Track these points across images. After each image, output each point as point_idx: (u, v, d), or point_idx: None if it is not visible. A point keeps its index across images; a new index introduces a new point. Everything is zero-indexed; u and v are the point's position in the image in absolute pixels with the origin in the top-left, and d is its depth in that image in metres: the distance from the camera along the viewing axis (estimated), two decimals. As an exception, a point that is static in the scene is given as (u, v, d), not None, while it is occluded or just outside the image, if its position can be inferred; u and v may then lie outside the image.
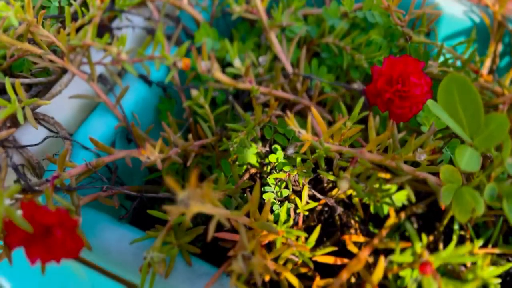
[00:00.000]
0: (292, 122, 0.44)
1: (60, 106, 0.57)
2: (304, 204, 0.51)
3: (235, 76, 0.61)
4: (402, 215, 0.62)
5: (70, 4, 0.63)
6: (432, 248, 0.63)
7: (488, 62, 0.70)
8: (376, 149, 0.51)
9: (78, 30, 0.57)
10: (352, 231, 0.64)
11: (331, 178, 0.48)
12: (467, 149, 0.43)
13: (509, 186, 0.44)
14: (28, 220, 0.38)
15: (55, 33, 0.55)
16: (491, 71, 0.71)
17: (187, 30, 0.66)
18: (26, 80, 0.58)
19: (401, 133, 0.58)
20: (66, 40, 0.53)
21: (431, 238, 0.63)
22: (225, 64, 0.65)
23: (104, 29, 0.63)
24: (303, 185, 0.58)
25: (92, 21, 0.55)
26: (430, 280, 0.42)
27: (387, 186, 0.57)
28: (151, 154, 0.45)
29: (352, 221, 0.64)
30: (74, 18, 0.58)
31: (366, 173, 0.53)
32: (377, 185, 0.56)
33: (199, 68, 0.47)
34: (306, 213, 0.52)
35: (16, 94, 0.49)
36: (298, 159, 0.55)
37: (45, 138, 0.54)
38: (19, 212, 0.42)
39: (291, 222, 0.47)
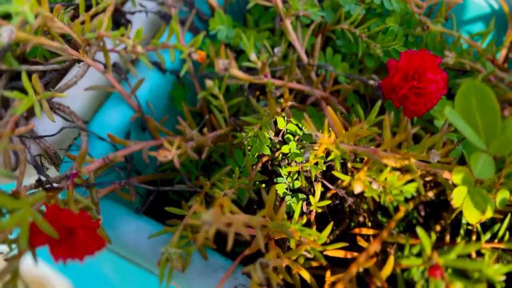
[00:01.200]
0: (309, 126, 0.44)
1: (74, 94, 0.57)
2: (317, 201, 0.52)
3: (249, 69, 0.61)
4: (411, 204, 0.64)
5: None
6: (439, 237, 0.64)
7: (504, 52, 0.69)
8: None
9: (92, 18, 0.56)
10: (361, 218, 0.66)
11: (347, 178, 0.49)
12: (481, 155, 0.43)
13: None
14: (51, 222, 0.39)
15: (69, 22, 0.54)
16: (506, 59, 0.70)
17: (200, 14, 0.65)
18: (41, 67, 0.58)
19: (414, 128, 0.58)
20: (80, 30, 0.53)
21: (438, 227, 0.64)
22: (238, 51, 0.65)
23: (116, 14, 0.62)
24: (316, 177, 0.59)
25: (106, 10, 0.54)
26: (439, 282, 0.44)
27: (399, 182, 0.57)
28: (168, 153, 0.45)
29: (361, 209, 0.65)
30: (88, 5, 0.57)
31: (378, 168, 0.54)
32: (389, 178, 0.56)
33: (216, 67, 0.46)
34: (319, 210, 0.53)
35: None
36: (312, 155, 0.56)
37: (61, 129, 0.54)
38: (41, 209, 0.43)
39: (304, 219, 0.48)
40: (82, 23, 0.56)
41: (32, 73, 0.59)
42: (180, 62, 0.63)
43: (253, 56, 0.53)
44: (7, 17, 0.57)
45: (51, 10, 0.50)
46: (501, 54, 0.69)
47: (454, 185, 0.49)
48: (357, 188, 0.46)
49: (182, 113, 0.65)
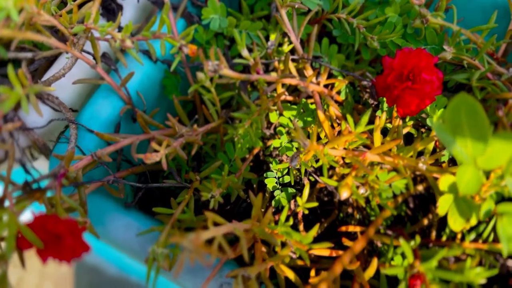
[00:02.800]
0: (298, 135, 0.44)
1: (63, 83, 0.56)
2: (305, 201, 0.53)
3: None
4: (400, 198, 0.64)
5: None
6: (426, 233, 0.65)
7: (504, 45, 0.67)
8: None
9: (80, 6, 0.54)
10: (350, 209, 0.66)
11: (334, 184, 0.49)
12: (468, 170, 0.43)
13: (507, 206, 0.45)
14: (39, 228, 0.40)
15: (57, 11, 0.53)
16: (505, 53, 0.69)
17: (193, 0, 0.63)
18: (29, 54, 0.57)
19: (405, 128, 0.58)
20: (68, 20, 0.52)
21: (426, 221, 0.65)
22: (231, 38, 0.63)
23: (107, -1, 0.60)
24: (306, 172, 0.60)
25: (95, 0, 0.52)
26: (419, 288, 0.45)
27: (387, 176, 0.58)
28: (156, 156, 0.45)
29: (350, 200, 0.66)
30: (76, -9, 0.55)
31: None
32: (379, 175, 0.57)
33: (205, 68, 0.45)
34: (306, 211, 0.53)
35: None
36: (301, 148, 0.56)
37: (50, 121, 0.54)
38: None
39: (291, 221, 0.49)
40: (70, 11, 0.54)
41: (20, 60, 0.58)
42: (170, 48, 0.62)
43: (245, 52, 0.52)
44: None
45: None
46: (501, 48, 0.68)
47: (439, 192, 0.49)
48: (344, 194, 0.47)
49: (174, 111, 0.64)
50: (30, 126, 0.54)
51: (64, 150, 0.54)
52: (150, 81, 0.60)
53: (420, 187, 0.66)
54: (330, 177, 0.61)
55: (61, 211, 0.44)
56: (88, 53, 0.55)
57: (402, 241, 0.44)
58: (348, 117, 0.48)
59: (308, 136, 0.58)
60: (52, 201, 0.45)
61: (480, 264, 0.57)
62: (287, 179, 0.59)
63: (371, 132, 0.56)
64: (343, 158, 0.51)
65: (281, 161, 0.61)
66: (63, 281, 1.29)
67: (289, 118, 0.60)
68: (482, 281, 0.51)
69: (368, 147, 0.54)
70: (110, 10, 0.60)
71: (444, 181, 0.48)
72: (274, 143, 0.59)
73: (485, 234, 0.57)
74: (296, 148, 0.60)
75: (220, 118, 0.59)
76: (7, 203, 0.44)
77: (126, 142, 0.52)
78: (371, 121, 0.57)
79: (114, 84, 0.55)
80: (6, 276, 0.39)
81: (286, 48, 0.62)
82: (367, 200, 0.64)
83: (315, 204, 0.52)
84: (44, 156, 0.56)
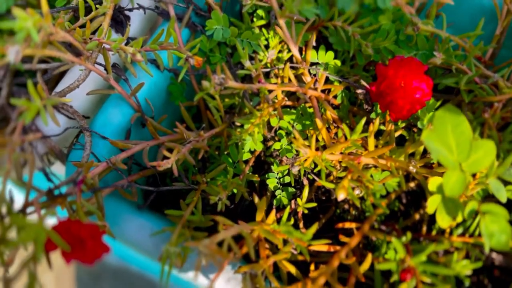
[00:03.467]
0: (298, 143, 0.48)
1: (76, 93, 0.60)
2: (304, 202, 0.57)
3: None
4: (393, 195, 0.68)
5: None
6: (417, 227, 0.70)
7: (491, 50, 0.71)
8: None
9: (91, 20, 0.58)
10: (346, 206, 0.71)
11: (331, 186, 0.53)
12: (453, 174, 0.47)
13: (489, 205, 0.49)
14: (63, 232, 0.44)
15: (70, 26, 0.56)
16: (493, 57, 0.73)
17: (197, 10, 0.66)
18: (43, 66, 0.60)
19: (398, 131, 0.62)
20: (81, 34, 0.55)
21: (417, 216, 0.70)
22: (233, 46, 0.67)
23: (114, 10, 0.63)
24: (304, 172, 0.64)
25: (106, 15, 0.56)
26: (411, 282, 0.50)
27: (381, 176, 0.62)
28: (167, 163, 0.49)
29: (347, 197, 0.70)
30: (86, 6, 0.58)
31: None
32: (374, 175, 0.61)
33: (212, 82, 0.49)
34: (306, 211, 0.57)
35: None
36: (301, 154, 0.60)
37: (66, 129, 0.57)
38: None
39: (292, 221, 0.53)
40: (81, 26, 0.58)
41: (35, 71, 0.61)
42: (177, 58, 0.66)
43: (247, 63, 0.56)
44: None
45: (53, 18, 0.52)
46: (488, 52, 0.71)
47: (429, 192, 0.53)
48: (341, 196, 0.51)
49: (179, 108, 0.68)
50: (47, 134, 0.57)
51: (78, 156, 0.58)
52: (157, 88, 0.64)
53: (412, 184, 0.71)
54: (327, 177, 0.65)
55: (82, 215, 0.48)
56: (100, 64, 0.58)
57: (393, 239, 0.48)
58: (344, 126, 0.51)
59: (307, 139, 0.62)
60: (72, 204, 0.49)
61: (467, 256, 0.62)
62: (287, 179, 0.63)
63: (366, 137, 0.60)
64: (339, 162, 0.55)
65: (281, 162, 0.65)
66: (63, 273, 1.32)
67: (289, 122, 0.64)
68: (468, 272, 0.56)
69: (363, 147, 0.58)
70: (119, 21, 0.63)
71: (433, 183, 0.52)
72: (275, 145, 0.63)
73: (471, 229, 0.61)
74: (296, 151, 0.64)
75: (224, 123, 0.63)
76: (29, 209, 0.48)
77: (137, 148, 0.56)
78: (366, 123, 0.61)
79: (124, 93, 0.58)
80: (36, 276, 0.43)
81: (285, 55, 0.65)
82: (362, 199, 0.68)
83: (314, 204, 0.57)
84: (60, 161, 0.60)
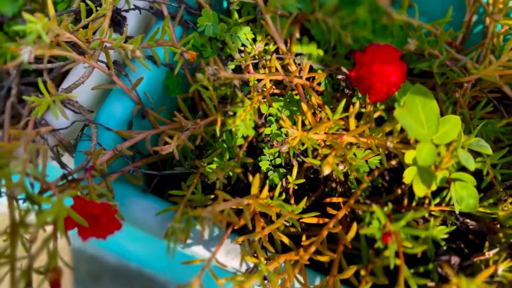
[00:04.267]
0: (287, 124, 0.53)
1: (80, 88, 0.65)
2: (294, 178, 0.63)
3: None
4: (376, 172, 0.74)
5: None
6: (399, 200, 0.76)
7: (461, 34, 0.77)
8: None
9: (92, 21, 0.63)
10: (334, 184, 0.77)
11: (317, 163, 0.59)
12: (425, 146, 0.53)
13: (458, 174, 0.55)
14: (79, 211, 0.49)
15: (72, 27, 0.61)
16: (463, 41, 0.79)
17: (188, 8, 0.71)
18: (48, 65, 0.65)
19: (377, 112, 0.68)
20: (84, 34, 0.60)
21: (399, 191, 0.76)
22: (223, 41, 0.72)
23: (112, 12, 0.68)
24: (294, 154, 0.69)
25: (105, 16, 0.61)
26: (392, 244, 0.55)
27: (363, 154, 0.68)
28: (169, 148, 0.54)
29: (334, 176, 0.76)
30: (87, 8, 0.63)
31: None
32: (357, 153, 0.67)
33: (206, 73, 0.55)
34: (296, 187, 0.63)
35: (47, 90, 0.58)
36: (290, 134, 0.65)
37: (73, 122, 0.63)
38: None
39: (283, 196, 0.59)
40: (84, 27, 0.63)
41: (41, 70, 0.66)
42: (171, 53, 0.71)
43: (237, 55, 0.61)
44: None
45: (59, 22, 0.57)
46: (459, 37, 0.78)
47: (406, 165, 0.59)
48: (326, 171, 0.56)
49: (175, 99, 0.73)
50: (56, 128, 0.62)
51: (86, 147, 0.63)
52: (155, 82, 0.69)
53: (393, 162, 0.77)
54: (314, 157, 0.71)
55: (95, 197, 0.53)
56: (102, 62, 0.63)
57: (375, 207, 0.54)
58: (326, 107, 0.57)
59: (295, 124, 0.68)
60: (84, 187, 0.54)
61: (444, 223, 0.68)
62: (278, 161, 0.68)
63: (347, 117, 0.66)
64: (324, 141, 0.61)
65: (272, 146, 0.70)
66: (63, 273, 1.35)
67: (277, 109, 0.70)
68: (445, 236, 0.62)
69: (346, 130, 0.64)
70: (116, 21, 0.68)
71: (408, 156, 0.58)
72: (266, 130, 0.69)
73: (447, 198, 0.67)
74: (285, 134, 0.69)
75: (217, 111, 0.68)
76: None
77: (140, 137, 0.61)
78: (348, 108, 0.66)
79: (125, 87, 0.64)
80: (57, 252, 0.48)
81: (272, 47, 0.71)
82: (346, 175, 0.74)
83: (302, 180, 0.62)
84: (68, 153, 0.65)
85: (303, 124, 0.66)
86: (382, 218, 0.56)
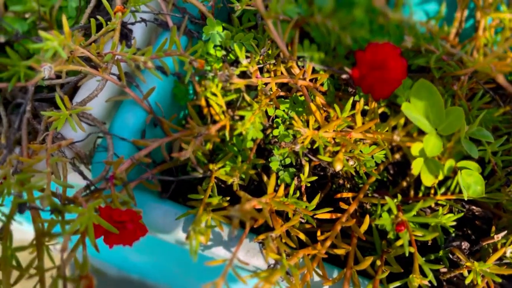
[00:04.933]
0: (298, 124, 0.56)
1: (93, 101, 0.67)
2: (306, 176, 0.65)
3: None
4: (381, 166, 0.77)
5: (86, 7, 0.70)
6: (406, 192, 0.78)
7: (454, 29, 0.80)
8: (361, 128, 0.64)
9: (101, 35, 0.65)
10: (341, 181, 0.79)
11: (329, 160, 0.61)
12: (431, 138, 0.56)
13: (464, 162, 0.58)
14: (106, 219, 0.51)
15: (83, 42, 0.63)
16: (457, 34, 0.82)
17: (192, 18, 0.74)
18: (60, 81, 0.67)
19: (380, 108, 0.71)
20: (95, 48, 0.62)
21: (404, 183, 0.78)
22: (229, 49, 0.74)
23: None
24: (303, 153, 0.72)
25: (115, 29, 0.63)
26: (404, 233, 0.58)
27: (370, 150, 0.70)
28: (186, 153, 0.56)
29: (340, 172, 0.79)
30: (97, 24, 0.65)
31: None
32: (363, 150, 0.69)
33: (219, 78, 0.57)
34: (309, 184, 0.65)
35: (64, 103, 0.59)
36: (298, 136, 0.68)
37: (89, 135, 0.64)
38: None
39: (297, 194, 0.61)
40: (94, 41, 0.65)
41: (53, 85, 0.68)
42: (178, 63, 0.73)
43: (244, 61, 0.64)
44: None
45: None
46: (452, 32, 0.81)
47: (412, 157, 0.62)
48: (338, 167, 0.59)
49: (184, 107, 0.75)
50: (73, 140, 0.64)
51: (102, 158, 0.65)
52: (163, 91, 0.71)
53: (397, 156, 0.79)
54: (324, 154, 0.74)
55: (118, 205, 0.55)
56: (113, 74, 0.65)
57: (387, 198, 0.57)
58: (335, 106, 0.60)
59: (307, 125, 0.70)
60: (107, 197, 0.56)
61: (450, 211, 0.71)
62: (288, 161, 0.71)
63: (353, 115, 0.69)
64: (333, 138, 0.63)
65: (280, 146, 0.73)
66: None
67: (283, 110, 0.72)
68: (453, 223, 0.65)
69: (351, 127, 0.66)
70: (123, 34, 0.70)
71: (415, 148, 0.61)
72: (274, 132, 0.71)
73: (452, 187, 0.70)
74: (293, 135, 0.72)
75: (226, 116, 0.70)
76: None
77: (155, 145, 0.63)
78: (352, 104, 0.69)
79: (137, 98, 0.66)
80: (87, 259, 0.50)
81: (275, 51, 0.73)
82: (356, 170, 0.76)
83: (314, 178, 0.65)
84: (85, 164, 0.67)
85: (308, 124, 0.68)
86: (394, 208, 0.59)
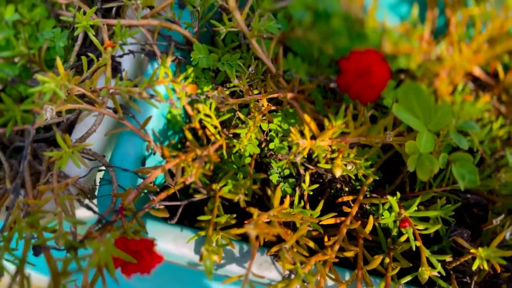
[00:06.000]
0: (296, 136, 0.58)
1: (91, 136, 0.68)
2: (308, 185, 0.67)
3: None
4: (375, 166, 0.79)
5: (73, 45, 0.71)
6: (402, 189, 0.81)
7: (428, 27, 0.84)
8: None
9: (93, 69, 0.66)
10: (338, 185, 0.81)
11: (328, 167, 0.64)
12: (423, 135, 0.59)
13: (456, 154, 0.61)
14: (122, 249, 0.52)
15: (77, 80, 0.65)
16: (431, 33, 0.86)
17: (177, 45, 0.76)
18: (56, 120, 0.68)
19: (369, 111, 0.74)
20: (89, 85, 0.63)
21: (399, 180, 0.81)
22: (216, 71, 0.77)
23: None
24: (301, 163, 0.74)
25: (107, 65, 0.64)
26: (408, 229, 0.60)
27: (363, 152, 0.73)
28: (191, 178, 0.58)
29: (336, 178, 0.81)
30: (88, 60, 0.67)
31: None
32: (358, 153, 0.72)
33: (215, 101, 0.59)
34: (311, 192, 0.67)
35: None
36: (294, 147, 0.70)
37: (91, 169, 0.65)
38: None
39: (302, 203, 0.63)
40: (86, 78, 0.66)
41: (49, 125, 0.69)
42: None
43: (236, 81, 0.66)
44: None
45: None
46: (426, 31, 0.84)
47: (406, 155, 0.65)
48: (338, 173, 0.61)
49: (178, 131, 0.77)
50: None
51: (106, 191, 0.66)
52: (158, 118, 0.73)
53: (388, 154, 0.82)
54: (316, 163, 0.76)
55: (131, 234, 0.56)
56: (109, 108, 0.67)
57: (389, 197, 0.59)
58: (330, 116, 0.62)
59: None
60: (118, 228, 0.57)
61: (448, 202, 0.74)
62: (286, 172, 0.73)
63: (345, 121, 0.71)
64: (330, 146, 0.66)
65: (277, 159, 0.75)
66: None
67: (277, 124, 0.74)
68: (452, 213, 0.67)
69: (345, 133, 0.69)
70: (112, 68, 0.72)
71: (408, 146, 0.63)
72: (270, 145, 0.73)
73: (446, 179, 0.73)
74: (288, 147, 0.74)
75: (222, 136, 0.72)
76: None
77: (158, 172, 0.64)
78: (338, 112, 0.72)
79: (135, 128, 0.67)
80: (109, 291, 0.51)
81: (261, 68, 0.76)
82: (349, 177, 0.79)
83: (315, 186, 0.67)
84: (89, 199, 0.68)
85: (302, 133, 0.71)
86: (396, 206, 0.61)
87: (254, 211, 0.53)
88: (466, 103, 0.74)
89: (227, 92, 0.75)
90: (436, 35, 0.88)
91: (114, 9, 0.74)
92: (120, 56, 0.72)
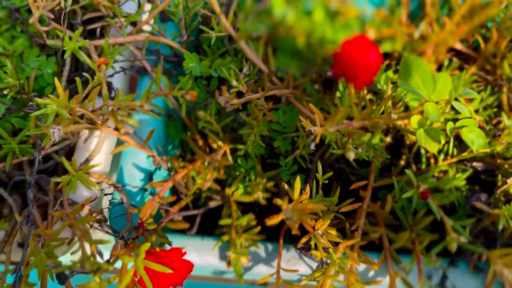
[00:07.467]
0: (308, 124, 0.58)
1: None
2: (321, 175, 0.67)
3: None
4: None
5: (61, 71, 0.70)
6: (409, 168, 0.82)
7: (404, 12, 0.86)
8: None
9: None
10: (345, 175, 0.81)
11: (340, 152, 0.64)
12: (429, 104, 0.60)
13: (462, 121, 0.62)
14: (154, 261, 0.50)
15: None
16: (408, 16, 0.88)
17: (165, 58, 0.75)
18: (55, 147, 0.66)
19: (368, 95, 0.74)
20: (87, 104, 0.62)
21: (402, 162, 0.82)
22: (208, 78, 0.76)
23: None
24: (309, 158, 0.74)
25: (102, 83, 0.63)
26: (430, 200, 0.61)
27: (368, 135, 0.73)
28: (207, 183, 0.57)
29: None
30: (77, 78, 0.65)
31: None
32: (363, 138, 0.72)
33: (221, 102, 0.58)
34: (326, 181, 0.67)
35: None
36: (299, 141, 0.70)
37: (102, 190, 0.63)
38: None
39: (320, 193, 0.63)
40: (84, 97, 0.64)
41: (48, 155, 0.67)
42: (164, 102, 0.74)
43: (235, 82, 0.66)
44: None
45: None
46: (403, 15, 0.87)
47: (411, 132, 0.65)
48: (351, 156, 0.61)
49: (178, 145, 0.76)
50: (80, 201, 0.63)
51: (118, 211, 0.64)
52: (157, 132, 0.72)
53: (388, 139, 0.83)
54: (323, 153, 0.76)
55: (155, 246, 0.54)
56: (109, 127, 0.65)
57: (407, 171, 0.59)
58: (337, 101, 0.62)
59: (296, 130, 0.72)
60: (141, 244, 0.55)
61: (456, 172, 0.75)
62: (295, 168, 0.72)
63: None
64: (338, 131, 0.66)
65: (284, 156, 0.74)
66: None
67: (277, 122, 0.74)
68: (464, 182, 0.68)
69: (349, 118, 0.69)
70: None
71: (413, 120, 0.64)
72: (274, 144, 0.73)
73: (450, 152, 0.74)
74: (290, 143, 0.74)
75: (225, 141, 0.71)
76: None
77: (170, 184, 0.63)
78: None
79: (137, 144, 0.65)
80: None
81: (253, 70, 0.76)
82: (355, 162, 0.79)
83: (330, 173, 0.66)
84: (99, 223, 0.65)
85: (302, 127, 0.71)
86: (414, 179, 0.62)
87: (280, 202, 0.52)
88: (456, 75, 0.76)
89: (225, 94, 0.75)
90: (413, 18, 0.91)
91: (98, 29, 0.73)
92: (111, 76, 0.71)
